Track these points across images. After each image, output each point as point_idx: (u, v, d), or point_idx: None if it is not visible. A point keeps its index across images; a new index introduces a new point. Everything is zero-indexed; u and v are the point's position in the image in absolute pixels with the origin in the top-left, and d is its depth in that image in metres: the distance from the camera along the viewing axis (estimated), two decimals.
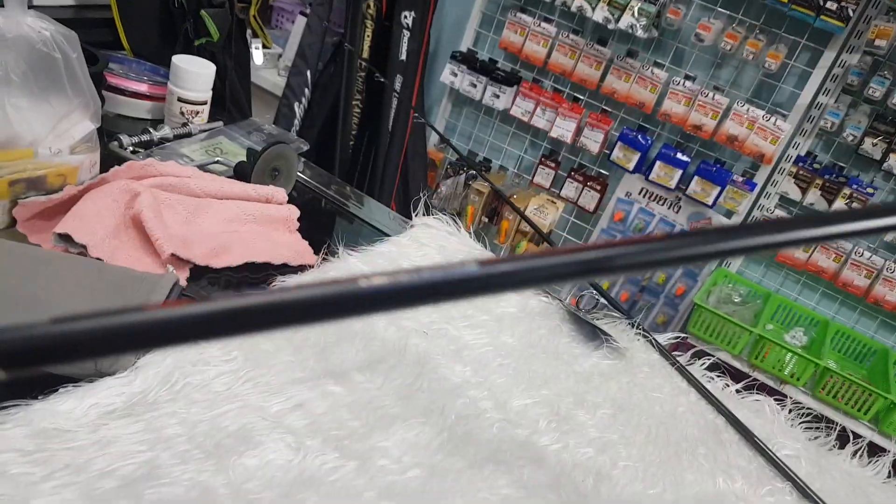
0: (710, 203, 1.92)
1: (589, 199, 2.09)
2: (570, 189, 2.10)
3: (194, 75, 0.94)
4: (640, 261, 0.28)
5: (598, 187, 2.07)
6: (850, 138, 1.74)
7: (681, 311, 2.08)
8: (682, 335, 0.88)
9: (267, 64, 2.15)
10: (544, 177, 2.13)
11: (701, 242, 0.29)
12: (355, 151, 1.97)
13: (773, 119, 1.78)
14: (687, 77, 1.87)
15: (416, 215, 0.90)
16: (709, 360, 0.83)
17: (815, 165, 1.85)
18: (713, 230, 0.30)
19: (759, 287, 2.01)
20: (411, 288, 0.25)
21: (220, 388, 0.56)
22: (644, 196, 2.05)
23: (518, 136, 2.21)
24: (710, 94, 1.83)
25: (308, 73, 1.89)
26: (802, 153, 1.86)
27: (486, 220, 2.19)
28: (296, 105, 1.91)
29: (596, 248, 0.27)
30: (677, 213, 2.02)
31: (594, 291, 0.85)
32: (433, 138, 2.26)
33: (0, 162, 0.67)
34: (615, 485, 0.61)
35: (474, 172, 2.11)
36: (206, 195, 0.77)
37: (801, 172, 1.85)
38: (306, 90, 1.91)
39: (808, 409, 0.80)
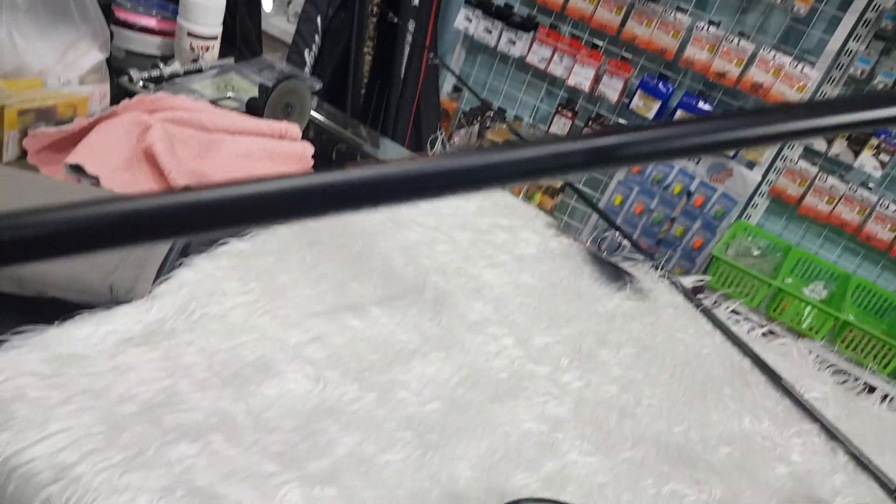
0: (731, 154, 1.87)
1: None
2: None
3: (204, 9, 0.91)
4: (647, 150, 0.25)
5: None
6: (881, 86, 1.68)
7: (698, 264, 2.05)
8: (706, 277, 0.86)
9: (276, 10, 2.10)
10: (560, 127, 2.09)
11: (716, 129, 0.26)
12: (367, 98, 1.93)
13: (800, 66, 1.73)
14: (711, 22, 1.81)
15: (432, 154, 0.88)
16: (734, 303, 0.82)
17: None
18: (731, 115, 0.27)
19: (780, 240, 1.98)
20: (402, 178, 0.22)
21: (237, 320, 0.55)
22: None
23: (534, 85, 2.16)
24: (735, 40, 1.77)
25: (318, 19, 1.85)
26: None
27: None
28: (306, 52, 1.87)
29: (603, 135, 0.25)
30: (697, 164, 1.98)
31: (617, 233, 0.83)
32: (446, 87, 2.21)
33: (8, 91, 0.65)
34: (639, 422, 0.60)
35: (490, 116, 2.07)
36: (219, 130, 0.75)
37: None
38: (316, 37, 1.86)
39: (828, 362, 0.78)
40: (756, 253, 2.03)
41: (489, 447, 0.52)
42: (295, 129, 0.80)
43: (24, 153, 0.66)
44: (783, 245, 1.96)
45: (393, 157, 0.97)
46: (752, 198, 1.98)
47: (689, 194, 2.00)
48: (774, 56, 1.75)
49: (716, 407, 0.65)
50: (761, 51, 1.76)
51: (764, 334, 0.80)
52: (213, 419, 0.47)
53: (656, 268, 0.82)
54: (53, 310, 0.50)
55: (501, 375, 0.60)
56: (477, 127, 2.11)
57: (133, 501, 0.41)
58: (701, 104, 1.88)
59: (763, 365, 0.73)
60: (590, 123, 2.05)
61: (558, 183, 2.10)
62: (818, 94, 1.79)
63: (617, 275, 0.78)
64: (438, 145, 0.88)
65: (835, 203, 1.85)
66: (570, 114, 2.08)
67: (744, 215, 2.02)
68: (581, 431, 0.56)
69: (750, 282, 1.79)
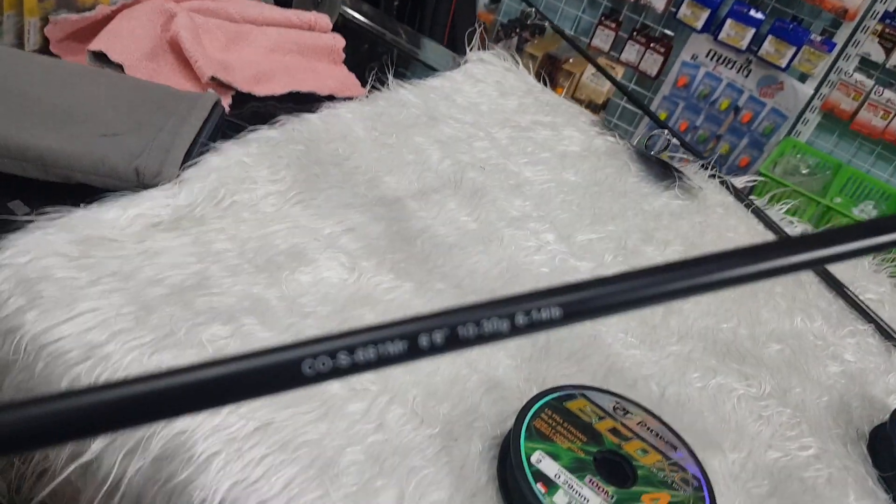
0: (783, 66, 1.77)
1: (651, 63, 1.96)
2: (630, 52, 1.97)
3: None
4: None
5: (662, 50, 1.93)
6: None
7: (744, 183, 1.98)
8: (759, 178, 0.81)
9: None
10: (603, 39, 2.00)
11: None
12: (401, 8, 1.86)
13: None
14: None
15: (470, 49, 0.83)
16: (787, 204, 0.77)
17: None
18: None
19: (829, 157, 1.89)
20: None
21: (268, 209, 0.53)
22: (711, 59, 1.91)
23: None
24: None
25: None
26: (892, 9, 1.68)
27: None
28: None
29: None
30: (746, 77, 1.88)
31: (666, 132, 0.78)
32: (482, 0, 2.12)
33: None
34: (686, 318, 0.57)
35: (533, 22, 1.97)
36: (246, 21, 0.72)
37: (887, 31, 1.68)
38: None
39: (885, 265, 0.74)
40: (804, 171, 1.95)
41: (529, 339, 0.50)
42: (325, 21, 0.76)
43: (46, 42, 0.64)
44: (833, 163, 1.87)
45: (428, 53, 0.92)
46: (802, 113, 1.88)
47: (737, 110, 1.91)
48: None
49: (766, 305, 0.62)
50: None
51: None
52: (245, 303, 0.46)
53: (706, 167, 0.77)
54: (79, 195, 0.49)
55: (542, 270, 0.57)
56: (515, 40, 2.03)
57: None
58: (752, 12, 1.77)
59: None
60: (634, 35, 1.96)
61: (602, 98, 2.02)
62: (879, 0, 1.67)
63: (665, 173, 0.74)
64: (476, 41, 0.83)
65: (890, 118, 1.75)
66: (613, 25, 1.98)
67: (793, 132, 1.93)
68: (625, 325, 0.54)
69: (797, 200, 1.72)
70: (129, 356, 0.40)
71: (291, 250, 0.51)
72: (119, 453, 0.38)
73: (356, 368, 0.17)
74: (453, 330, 0.18)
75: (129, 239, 0.47)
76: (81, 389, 0.17)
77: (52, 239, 0.44)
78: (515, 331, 0.18)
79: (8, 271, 0.42)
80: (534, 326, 0.18)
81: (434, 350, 0.17)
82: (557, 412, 0.43)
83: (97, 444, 0.38)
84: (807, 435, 0.50)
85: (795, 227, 0.76)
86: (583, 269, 0.59)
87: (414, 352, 0.17)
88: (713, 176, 0.77)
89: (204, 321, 0.43)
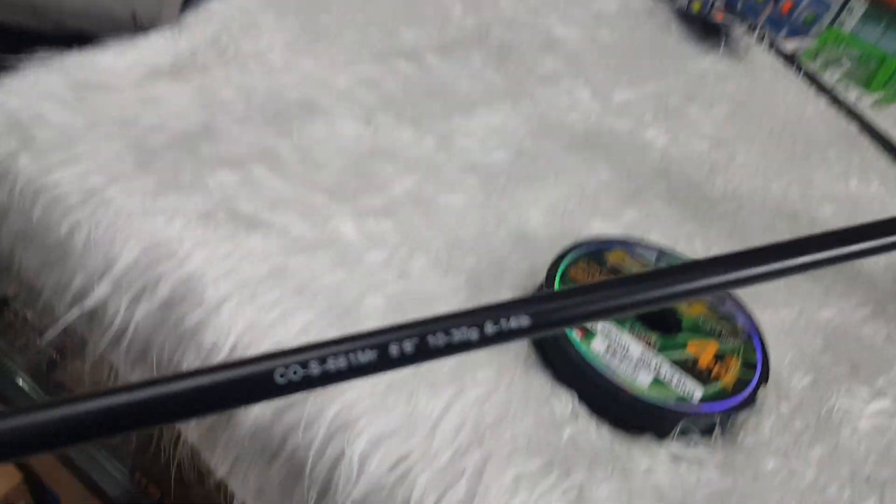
0: None
1: None
2: None
3: None
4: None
5: None
6: None
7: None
8: (808, 41, 0.74)
9: None
10: None
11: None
12: None
13: None
14: None
15: None
16: (841, 68, 0.71)
17: None
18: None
19: (875, 48, 1.78)
20: None
21: (276, 58, 0.49)
22: None
23: None
24: None
25: None
26: None
27: None
28: None
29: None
30: None
31: None
32: None
33: None
34: (732, 178, 0.53)
35: None
36: None
37: None
38: None
39: None
40: (847, 64, 1.84)
41: (563, 194, 0.47)
42: None
43: None
44: (878, 54, 1.75)
45: None
46: (846, 1, 1.76)
47: None
48: None
49: (819, 167, 0.57)
50: None
51: (874, 104, 0.70)
52: (254, 151, 0.42)
53: (752, 28, 0.71)
54: (73, 43, 0.45)
55: (577, 128, 0.53)
56: None
57: (169, 223, 0.37)
58: None
59: (873, 130, 0.64)
60: None
61: None
62: None
63: (708, 34, 0.68)
64: None
65: None
66: None
67: (836, 22, 1.80)
68: (667, 184, 0.50)
69: (851, 64, 1.62)
70: (132, 200, 0.37)
71: (302, 101, 0.47)
72: (125, 297, 0.36)
73: (327, 377, 0.17)
74: (423, 339, 0.18)
75: (127, 85, 0.43)
76: (45, 403, 0.16)
77: (45, 81, 0.41)
78: (484, 340, 0.18)
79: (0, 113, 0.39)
80: (502, 335, 0.18)
81: (404, 359, 0.18)
82: (595, 262, 0.40)
83: (102, 290, 0.36)
84: (862, 294, 0.46)
85: (850, 93, 0.70)
86: (620, 129, 0.54)
87: (384, 360, 0.17)
88: (761, 39, 0.71)
89: (210, 167, 0.40)
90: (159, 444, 0.41)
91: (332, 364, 0.16)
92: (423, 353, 0.18)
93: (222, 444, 0.35)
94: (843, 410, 0.37)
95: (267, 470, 0.34)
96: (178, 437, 0.40)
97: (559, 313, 0.19)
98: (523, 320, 0.18)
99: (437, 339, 0.18)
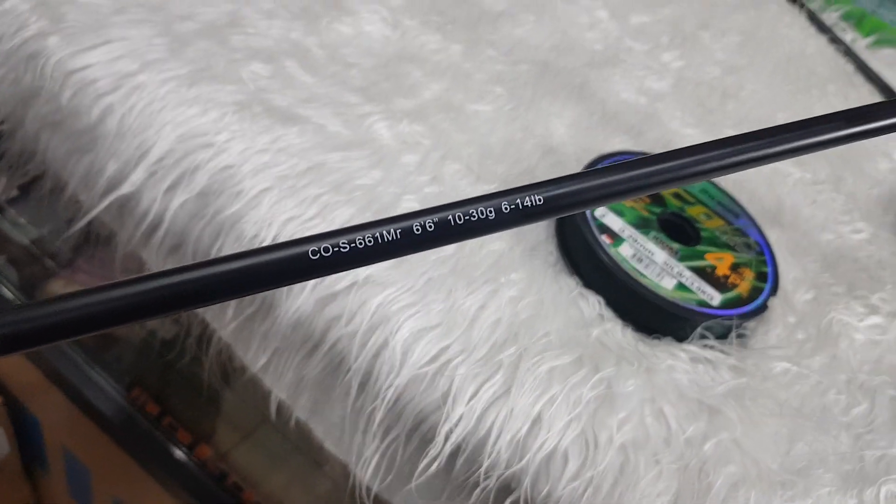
0: None
1: None
2: None
3: None
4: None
5: None
6: None
7: None
8: None
9: None
10: None
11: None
12: None
13: None
14: None
15: None
16: (842, 9, 0.72)
17: None
18: None
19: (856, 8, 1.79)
20: None
21: None
22: None
23: None
24: None
25: None
26: None
27: None
28: None
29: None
30: None
31: None
32: None
33: None
34: (742, 104, 0.54)
35: None
36: None
37: None
38: None
39: None
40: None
41: (585, 110, 0.47)
42: None
43: None
44: (858, 13, 1.77)
45: None
46: None
47: None
48: None
49: (819, 101, 0.59)
50: None
51: (869, 46, 0.71)
52: (284, 45, 0.42)
53: None
54: None
55: (597, 47, 0.53)
56: None
57: (205, 113, 0.36)
58: None
59: (868, 70, 0.65)
60: None
61: None
62: None
63: None
64: None
65: None
66: None
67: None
68: (682, 105, 0.51)
69: (852, 6, 1.64)
70: (165, 87, 0.37)
71: (328, 0, 0.46)
72: (161, 187, 0.35)
73: (357, 254, 0.18)
74: (444, 219, 0.19)
75: None
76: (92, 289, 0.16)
77: None
78: (501, 219, 0.19)
79: None
80: (518, 213, 0.19)
81: (426, 237, 0.19)
82: None
83: (137, 177, 0.35)
84: (858, 220, 0.48)
85: (847, 34, 0.71)
86: (638, 50, 0.54)
87: (407, 238, 0.18)
88: None
89: (242, 58, 0.39)
90: (184, 344, 0.42)
91: (360, 243, 0.18)
92: (445, 231, 0.19)
93: (259, 337, 0.36)
94: (841, 324, 0.40)
95: (307, 361, 0.35)
96: (206, 335, 0.40)
97: (571, 195, 0.20)
98: (537, 200, 0.20)
99: (457, 219, 0.19)
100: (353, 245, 0.18)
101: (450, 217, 0.19)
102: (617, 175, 0.21)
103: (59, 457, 0.74)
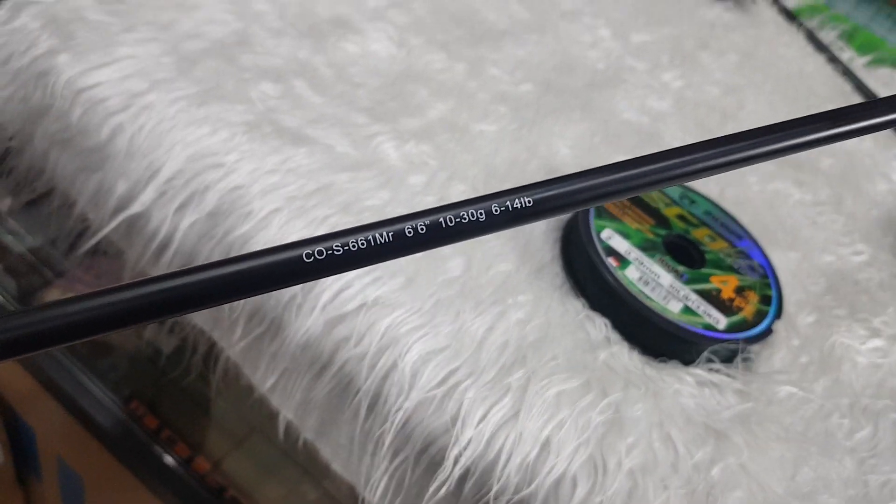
0: None
1: None
2: None
3: None
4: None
5: None
6: None
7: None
8: (811, 1, 0.76)
9: None
10: None
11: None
12: None
13: None
14: None
15: None
16: (841, 28, 0.73)
17: None
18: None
19: (845, 18, 1.81)
20: None
21: None
22: None
23: None
24: None
25: None
26: None
27: None
28: None
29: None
30: None
31: None
32: None
33: None
34: (741, 125, 0.55)
35: None
36: None
37: None
38: None
39: None
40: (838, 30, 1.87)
41: (588, 129, 0.48)
42: None
43: None
44: (851, 25, 1.79)
45: None
46: None
47: None
48: None
49: None
50: None
51: (866, 64, 0.72)
52: (292, 65, 0.42)
53: None
54: None
55: (598, 66, 0.54)
56: None
57: (215, 133, 0.37)
58: None
59: (865, 89, 0.66)
60: None
61: None
62: None
63: None
64: None
65: None
66: None
67: None
68: (683, 126, 0.52)
69: (848, 25, 1.66)
70: (175, 107, 0.37)
71: (335, 19, 0.46)
72: (171, 207, 0.35)
73: (349, 256, 0.18)
74: (435, 221, 0.19)
75: None
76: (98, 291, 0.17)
77: None
78: (491, 221, 0.19)
79: (36, 9, 0.38)
80: (508, 215, 0.20)
81: (418, 239, 0.19)
82: None
83: (147, 196, 0.35)
84: (858, 242, 0.49)
85: (844, 53, 0.72)
86: (639, 69, 0.55)
87: (399, 241, 0.19)
88: None
89: (251, 77, 0.40)
90: (190, 361, 0.42)
91: (354, 245, 0.18)
92: (436, 233, 0.19)
93: (268, 357, 0.36)
94: (844, 347, 0.40)
95: (315, 382, 0.35)
96: (213, 354, 0.40)
97: (560, 196, 0.20)
98: (527, 202, 0.20)
99: (448, 221, 0.19)
100: (347, 248, 0.18)
101: (441, 219, 0.19)
102: (605, 176, 0.21)
103: (54, 466, 0.74)
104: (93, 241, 0.37)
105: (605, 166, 0.21)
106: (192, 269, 0.18)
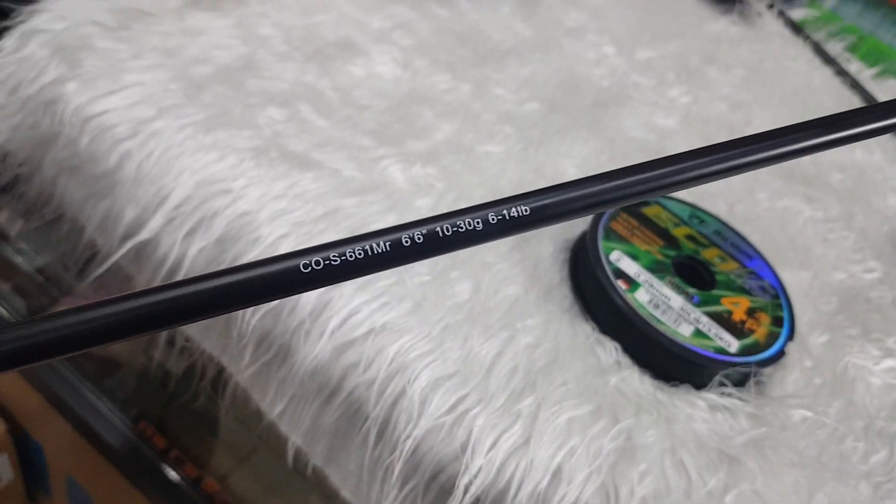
0: None
1: None
2: None
3: None
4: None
5: None
6: None
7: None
8: (815, 12, 0.76)
9: None
10: None
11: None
12: None
13: None
14: None
15: None
16: (847, 39, 0.73)
17: None
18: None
19: (852, 27, 1.81)
20: None
21: None
22: None
23: None
24: None
25: None
26: None
27: None
28: None
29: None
30: None
31: None
32: None
33: None
34: None
35: None
36: None
37: None
38: None
39: None
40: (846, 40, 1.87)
41: (595, 148, 0.47)
42: None
43: None
44: (856, 32, 1.79)
45: None
46: None
47: None
48: None
49: None
50: None
51: (874, 77, 0.72)
52: (298, 89, 0.42)
53: None
54: None
55: (603, 83, 0.54)
56: None
57: (222, 159, 0.37)
58: None
59: (874, 102, 0.66)
60: None
61: None
62: None
63: None
64: None
65: None
66: None
67: None
68: (690, 143, 0.51)
69: (854, 36, 1.65)
70: (182, 133, 0.37)
71: (340, 42, 0.46)
72: (179, 233, 0.35)
73: (347, 266, 0.18)
74: (432, 230, 0.19)
75: (167, 15, 0.42)
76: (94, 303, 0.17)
77: (87, 6, 0.40)
78: (488, 229, 0.19)
79: (44, 37, 0.38)
80: (505, 223, 0.19)
81: (415, 248, 0.19)
82: (633, 216, 0.41)
83: (155, 222, 0.35)
84: (870, 259, 0.49)
85: (852, 65, 0.72)
86: (645, 85, 0.55)
87: (397, 250, 0.18)
88: (770, 6, 0.72)
89: (258, 103, 0.40)
90: (198, 385, 0.42)
91: (351, 255, 0.18)
92: (433, 243, 0.19)
93: (276, 383, 0.36)
94: (857, 368, 0.40)
95: (324, 408, 0.35)
96: (222, 379, 0.40)
97: (557, 205, 0.20)
98: (524, 210, 0.20)
99: (445, 230, 0.19)
100: (344, 258, 0.18)
101: (438, 229, 0.19)
102: (601, 184, 0.20)
103: (63, 483, 0.74)
104: (102, 269, 0.37)
105: (601, 174, 0.20)
106: (191, 280, 0.18)
